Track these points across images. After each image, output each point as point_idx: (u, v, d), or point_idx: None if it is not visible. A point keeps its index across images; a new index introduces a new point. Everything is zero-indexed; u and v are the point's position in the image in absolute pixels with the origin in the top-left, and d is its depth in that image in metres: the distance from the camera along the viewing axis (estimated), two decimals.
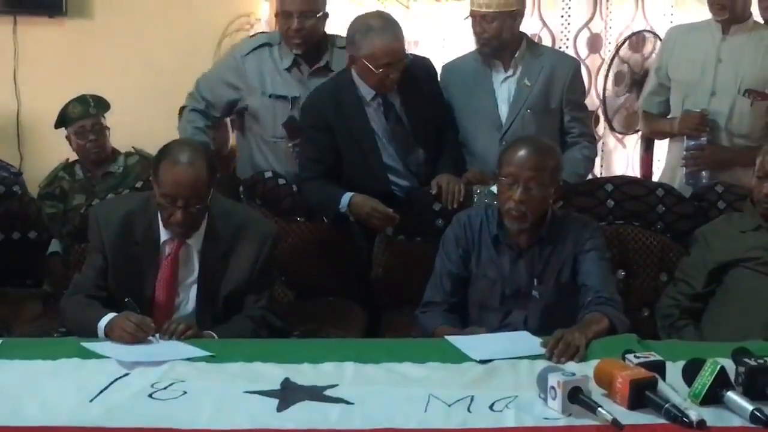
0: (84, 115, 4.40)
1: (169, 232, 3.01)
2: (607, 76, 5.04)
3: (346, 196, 3.52)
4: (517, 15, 3.75)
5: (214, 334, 2.90)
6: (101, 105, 4.46)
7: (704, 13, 3.93)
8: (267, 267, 3.10)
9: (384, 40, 3.47)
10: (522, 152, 3.01)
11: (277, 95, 3.86)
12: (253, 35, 4.60)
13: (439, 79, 3.85)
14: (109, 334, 2.79)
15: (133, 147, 4.57)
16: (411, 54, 3.73)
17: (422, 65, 3.79)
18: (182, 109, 4.11)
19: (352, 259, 3.71)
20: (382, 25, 3.50)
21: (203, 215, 3.00)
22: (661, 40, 4.58)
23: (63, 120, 4.44)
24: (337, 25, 3.94)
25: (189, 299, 3.05)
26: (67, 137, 4.49)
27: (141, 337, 2.74)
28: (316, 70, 3.86)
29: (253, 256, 3.06)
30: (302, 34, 3.77)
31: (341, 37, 3.84)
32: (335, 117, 3.59)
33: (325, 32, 3.90)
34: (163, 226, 3.01)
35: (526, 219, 3.01)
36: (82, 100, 4.43)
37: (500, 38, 3.70)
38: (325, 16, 3.86)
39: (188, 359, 2.63)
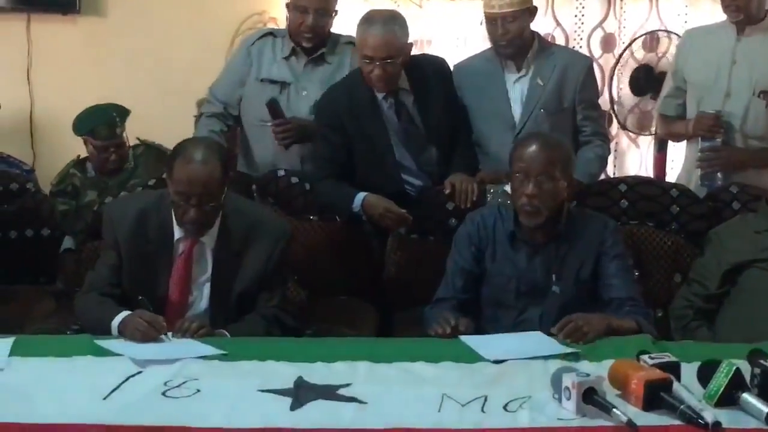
0: (110, 137, 4.35)
1: (183, 230, 3.01)
2: (612, 74, 5.03)
3: (360, 196, 3.52)
4: (534, 11, 3.76)
5: (227, 333, 2.90)
6: (124, 118, 4.39)
7: (719, 13, 3.91)
8: (280, 266, 3.10)
9: (367, 32, 3.48)
10: (531, 148, 3.03)
11: (270, 80, 3.90)
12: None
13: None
14: (122, 333, 2.80)
15: (137, 138, 4.56)
16: (422, 54, 3.73)
17: (435, 65, 3.79)
18: (199, 117, 4.13)
19: (364, 258, 3.71)
20: (378, 19, 3.50)
21: (217, 213, 3.00)
22: (679, 36, 4.56)
23: (86, 132, 4.38)
24: (348, 23, 3.94)
25: (202, 297, 3.06)
26: (85, 139, 4.46)
27: (152, 336, 2.75)
28: (312, 60, 3.90)
29: (266, 255, 3.06)
30: (315, 31, 3.81)
31: (344, 36, 3.92)
32: (349, 115, 3.60)
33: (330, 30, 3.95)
34: (177, 224, 3.01)
35: (540, 214, 3.01)
36: (109, 120, 4.33)
37: (523, 36, 3.70)
38: (336, 13, 3.90)
39: (201, 357, 2.63)
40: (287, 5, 3.91)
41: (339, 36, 3.95)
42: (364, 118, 3.61)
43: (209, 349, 2.69)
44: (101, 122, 4.32)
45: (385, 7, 4.29)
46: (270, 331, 2.98)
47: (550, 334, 2.83)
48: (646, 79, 5.00)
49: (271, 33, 4.01)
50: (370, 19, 3.52)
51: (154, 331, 2.75)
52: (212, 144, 3.16)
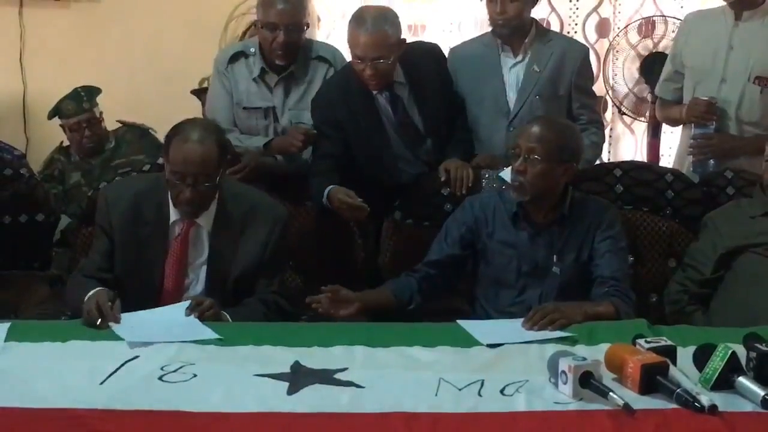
0: (78, 112, 4.42)
1: (179, 212, 3.01)
2: (607, 59, 5.02)
3: (327, 189, 3.43)
4: None
5: (228, 316, 2.89)
6: (93, 95, 4.47)
7: None
8: (278, 250, 3.10)
9: (357, 32, 3.42)
10: (531, 125, 3.09)
11: (253, 107, 3.85)
12: (225, 47, 4.55)
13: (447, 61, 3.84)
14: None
15: (118, 120, 4.58)
16: (415, 42, 3.69)
17: (429, 52, 3.76)
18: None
19: (359, 243, 3.70)
20: (368, 18, 3.43)
21: (212, 194, 3.01)
22: (675, 21, 4.54)
23: (57, 114, 4.47)
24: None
25: (198, 280, 3.06)
26: (62, 126, 4.50)
27: (95, 323, 2.71)
28: (282, 79, 3.82)
29: (263, 239, 3.06)
30: (288, 48, 3.72)
31: (321, 45, 3.90)
32: (345, 112, 3.57)
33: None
34: (173, 206, 3.01)
35: (525, 191, 3.04)
36: (75, 96, 4.44)
37: (521, 18, 3.69)
38: (307, 26, 3.83)
39: (198, 342, 2.62)
40: (255, 24, 3.83)
41: (312, 47, 3.87)
42: (361, 114, 3.58)
43: (208, 332, 2.69)
44: (66, 99, 4.42)
45: None
46: (268, 316, 2.98)
47: None
48: (639, 64, 4.98)
49: (242, 52, 3.88)
50: (360, 18, 3.46)
51: (102, 321, 2.72)
52: (210, 125, 3.15)
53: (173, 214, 3.03)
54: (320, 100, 3.66)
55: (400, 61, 3.57)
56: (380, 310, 3.10)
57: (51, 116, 4.48)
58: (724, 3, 3.80)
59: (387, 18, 3.49)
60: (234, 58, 3.88)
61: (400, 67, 3.58)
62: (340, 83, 3.62)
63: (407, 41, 3.65)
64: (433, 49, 3.80)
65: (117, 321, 2.73)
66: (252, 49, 3.85)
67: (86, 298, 2.81)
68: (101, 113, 4.51)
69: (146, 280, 2.99)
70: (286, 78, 3.81)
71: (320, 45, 3.95)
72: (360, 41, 3.42)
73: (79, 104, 4.42)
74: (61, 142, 4.60)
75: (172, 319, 2.79)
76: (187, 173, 2.90)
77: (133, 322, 2.74)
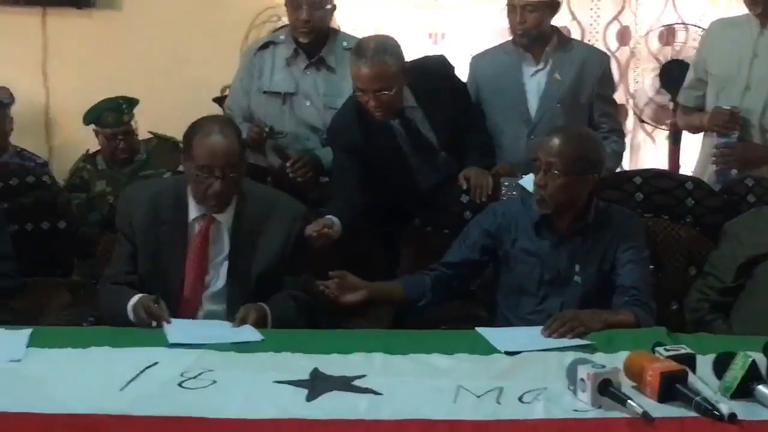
0: (117, 124, 4.42)
1: (198, 210, 3.05)
2: (626, 68, 5.02)
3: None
4: (556, 6, 3.76)
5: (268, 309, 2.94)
6: (132, 107, 4.47)
7: (736, 6, 3.88)
8: (300, 246, 3.13)
9: (358, 64, 3.39)
10: (550, 138, 3.07)
11: (272, 91, 3.93)
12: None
13: (468, 69, 3.86)
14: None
15: (149, 132, 4.60)
16: (422, 58, 3.72)
17: (436, 66, 3.72)
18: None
19: (378, 250, 3.71)
20: (368, 51, 3.39)
21: (237, 187, 3.04)
22: (698, 29, 4.52)
23: (95, 122, 4.45)
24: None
25: (219, 276, 3.07)
26: (95, 131, 4.51)
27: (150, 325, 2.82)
28: (311, 64, 3.90)
29: (283, 235, 3.09)
30: (310, 25, 3.81)
31: (348, 36, 3.92)
32: (361, 136, 3.55)
33: (330, 27, 3.95)
34: (199, 202, 3.04)
35: (547, 204, 3.04)
36: (115, 107, 4.43)
37: (540, 28, 3.70)
38: (333, 8, 3.91)
39: (217, 349, 2.64)
40: (285, 3, 3.92)
41: (338, 35, 3.94)
42: (376, 137, 3.56)
43: (253, 334, 2.76)
44: (107, 109, 4.42)
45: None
46: (300, 312, 3.02)
47: None
48: (659, 72, 4.97)
49: (271, 42, 4.01)
50: (360, 50, 3.41)
51: (151, 323, 2.83)
52: (226, 119, 3.24)
53: (192, 212, 3.06)
54: (336, 126, 3.67)
55: (409, 84, 3.52)
56: (387, 300, 3.17)
57: (88, 122, 4.47)
58: (748, 11, 3.79)
59: (387, 49, 3.42)
60: (264, 46, 4.00)
61: (410, 90, 3.55)
62: (354, 108, 3.57)
63: (414, 59, 3.65)
64: (440, 62, 3.77)
65: (168, 320, 2.82)
66: (281, 37, 3.98)
67: (131, 307, 2.88)
68: (137, 124, 4.53)
69: (167, 278, 3.02)
70: (316, 63, 3.89)
71: (351, 36, 3.98)
72: (361, 73, 3.38)
73: (119, 116, 4.42)
74: (87, 150, 4.61)
75: (218, 326, 2.87)
76: (214, 166, 2.94)
77: (182, 326, 2.82)
